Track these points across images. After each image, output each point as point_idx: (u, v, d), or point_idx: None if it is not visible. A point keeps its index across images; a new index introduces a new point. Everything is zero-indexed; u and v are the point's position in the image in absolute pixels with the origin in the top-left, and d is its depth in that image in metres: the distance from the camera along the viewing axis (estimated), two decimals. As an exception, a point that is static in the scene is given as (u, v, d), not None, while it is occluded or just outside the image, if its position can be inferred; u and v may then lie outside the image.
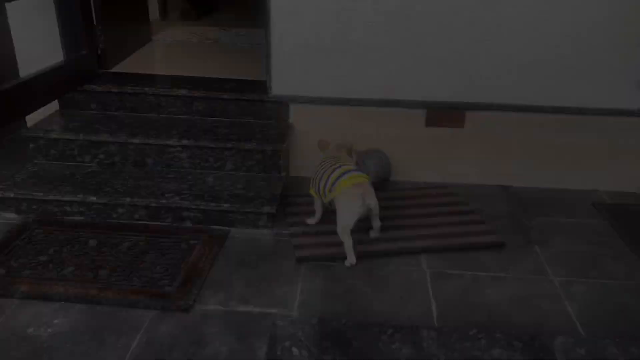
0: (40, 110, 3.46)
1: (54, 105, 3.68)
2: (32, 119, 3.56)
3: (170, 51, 4.90)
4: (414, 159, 3.67)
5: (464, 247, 2.94)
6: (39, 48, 3.62)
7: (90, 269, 2.66)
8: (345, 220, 2.75)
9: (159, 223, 3.09)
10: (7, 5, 3.01)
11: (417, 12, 3.29)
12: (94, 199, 3.05)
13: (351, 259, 2.77)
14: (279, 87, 3.56)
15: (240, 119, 3.66)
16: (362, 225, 2.85)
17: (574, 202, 3.49)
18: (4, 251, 2.78)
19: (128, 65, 4.19)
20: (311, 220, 3.08)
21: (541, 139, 3.56)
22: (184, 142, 3.33)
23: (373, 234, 2.95)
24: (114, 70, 4.04)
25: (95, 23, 3.83)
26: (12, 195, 3.07)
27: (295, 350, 2.04)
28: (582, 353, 1.95)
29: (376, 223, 2.91)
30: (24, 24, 3.32)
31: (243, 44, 5.10)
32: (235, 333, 2.27)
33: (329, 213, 2.96)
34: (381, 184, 3.45)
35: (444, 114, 3.54)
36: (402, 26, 3.33)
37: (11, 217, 3.09)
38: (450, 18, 3.29)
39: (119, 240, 2.91)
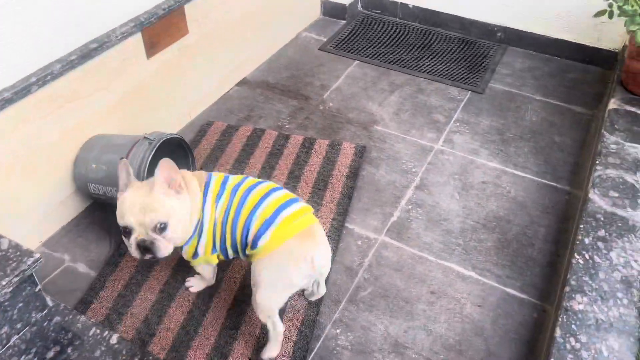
0: None
1: None
2: None
3: None
4: (150, 109, 2.26)
5: (353, 174, 2.21)
6: None
7: None
8: (272, 297, 1.49)
9: None
10: None
11: None
12: None
13: (274, 351, 1.59)
14: None
15: None
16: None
17: (305, 57, 3.01)
18: None
19: None
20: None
21: (254, 7, 2.71)
22: None
23: (312, 297, 1.76)
24: None
25: None
26: None
27: None
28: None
29: (322, 288, 1.74)
30: None
31: None
32: None
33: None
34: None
35: (163, 25, 2.15)
36: None
37: None
38: None
39: None
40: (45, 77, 1.69)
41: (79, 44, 1.81)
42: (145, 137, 1.81)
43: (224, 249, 1.55)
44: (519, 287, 1.82)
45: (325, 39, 3.19)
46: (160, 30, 2.14)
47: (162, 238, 1.39)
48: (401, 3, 3.35)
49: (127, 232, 1.39)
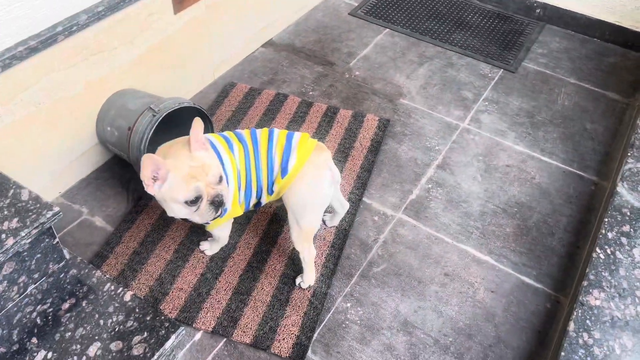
0: None
1: None
2: None
3: None
4: (174, 67, 2.22)
5: (375, 148, 2.18)
6: None
7: None
8: (313, 218, 1.61)
9: None
10: None
11: None
12: None
13: (312, 277, 1.71)
14: None
15: None
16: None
17: (334, 22, 2.92)
18: None
19: None
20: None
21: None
22: None
23: (333, 221, 1.90)
24: None
25: None
26: None
27: None
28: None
29: (345, 203, 1.86)
30: None
31: None
32: None
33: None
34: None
35: (192, -19, 2.09)
36: None
37: None
38: None
39: None
40: (71, 27, 1.66)
41: (104, -4, 1.77)
42: (150, 108, 1.76)
43: (248, 195, 1.58)
44: (535, 276, 1.79)
45: (356, 4, 3.09)
46: (188, -15, 2.08)
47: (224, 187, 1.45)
48: (438, -29, 3.22)
49: (195, 200, 1.39)
